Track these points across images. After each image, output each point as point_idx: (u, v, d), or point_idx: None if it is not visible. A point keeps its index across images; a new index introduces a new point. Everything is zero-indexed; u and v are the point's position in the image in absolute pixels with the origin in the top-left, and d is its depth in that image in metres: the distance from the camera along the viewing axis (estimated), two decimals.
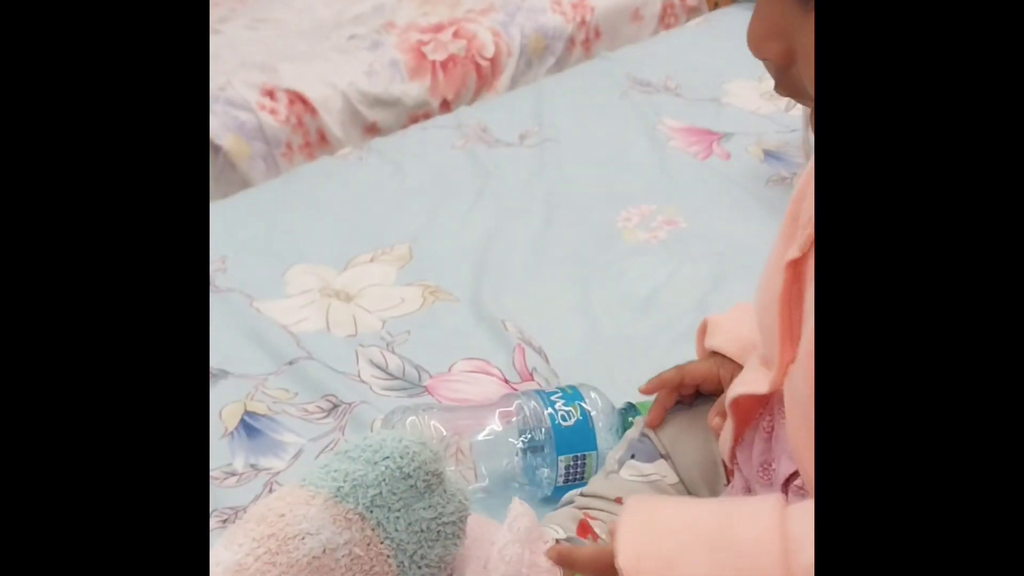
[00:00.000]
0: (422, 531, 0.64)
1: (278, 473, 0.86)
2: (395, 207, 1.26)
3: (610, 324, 1.04)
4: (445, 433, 0.79)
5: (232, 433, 0.90)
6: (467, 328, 1.04)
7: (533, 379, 0.96)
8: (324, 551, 0.60)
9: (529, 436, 0.80)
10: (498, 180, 1.31)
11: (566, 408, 0.81)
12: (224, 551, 0.60)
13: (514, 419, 0.81)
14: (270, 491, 0.83)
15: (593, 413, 0.82)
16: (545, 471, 0.81)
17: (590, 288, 1.10)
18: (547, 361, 0.99)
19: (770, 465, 0.65)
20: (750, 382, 0.66)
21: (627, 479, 0.74)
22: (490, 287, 1.10)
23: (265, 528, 0.61)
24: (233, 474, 0.86)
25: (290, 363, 0.98)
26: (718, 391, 0.72)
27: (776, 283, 0.59)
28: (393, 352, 1.00)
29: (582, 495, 0.75)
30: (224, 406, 0.93)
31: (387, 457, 0.64)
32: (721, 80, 1.49)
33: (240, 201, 1.31)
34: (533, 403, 0.82)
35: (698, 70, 1.53)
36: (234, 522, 0.77)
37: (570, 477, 0.80)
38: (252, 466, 0.87)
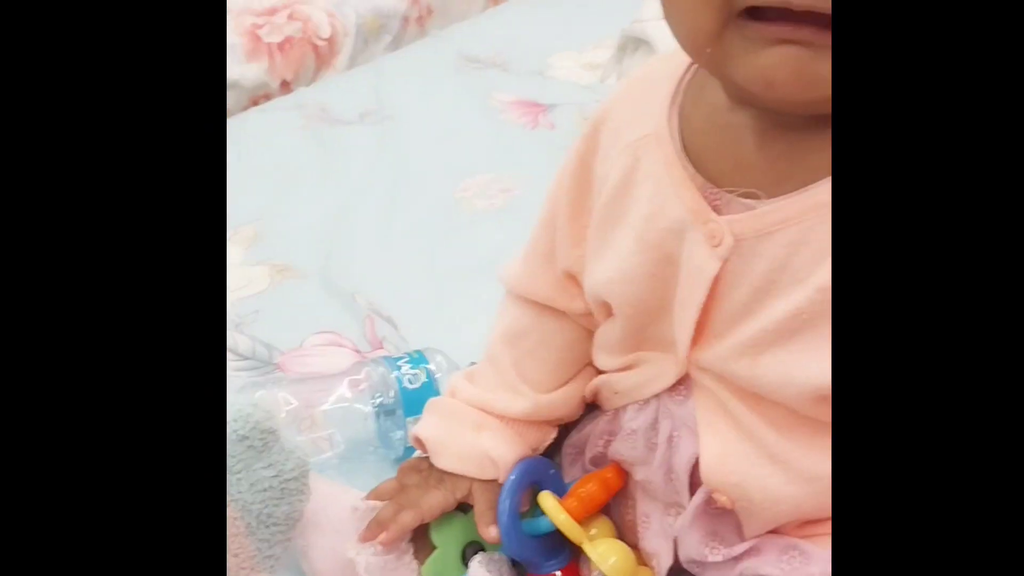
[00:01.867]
0: (265, 490, 0.67)
1: None
2: (239, 189, 1.26)
3: (455, 288, 1.10)
4: (295, 403, 0.84)
5: None
6: (317, 303, 1.08)
7: (383, 347, 1.01)
8: None
9: (379, 401, 0.86)
10: (341, 159, 1.35)
11: (412, 371, 0.87)
12: None
13: (363, 386, 0.86)
14: None
15: (438, 375, 0.87)
16: (398, 433, 0.86)
17: (435, 256, 1.15)
18: (397, 329, 1.04)
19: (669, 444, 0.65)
20: (639, 386, 0.65)
21: None
22: (339, 262, 1.14)
23: None
24: None
25: None
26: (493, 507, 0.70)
27: (698, 296, 0.58)
28: (242, 332, 1.03)
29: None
30: None
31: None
32: (546, 53, 1.57)
33: None
34: (381, 368, 0.87)
35: (524, 44, 1.60)
36: None
37: None
38: None
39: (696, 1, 0.49)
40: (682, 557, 0.65)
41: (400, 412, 0.85)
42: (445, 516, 0.72)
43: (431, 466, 0.72)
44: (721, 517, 0.62)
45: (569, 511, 0.67)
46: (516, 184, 1.27)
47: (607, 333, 0.67)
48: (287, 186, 1.29)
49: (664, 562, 0.66)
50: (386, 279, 1.11)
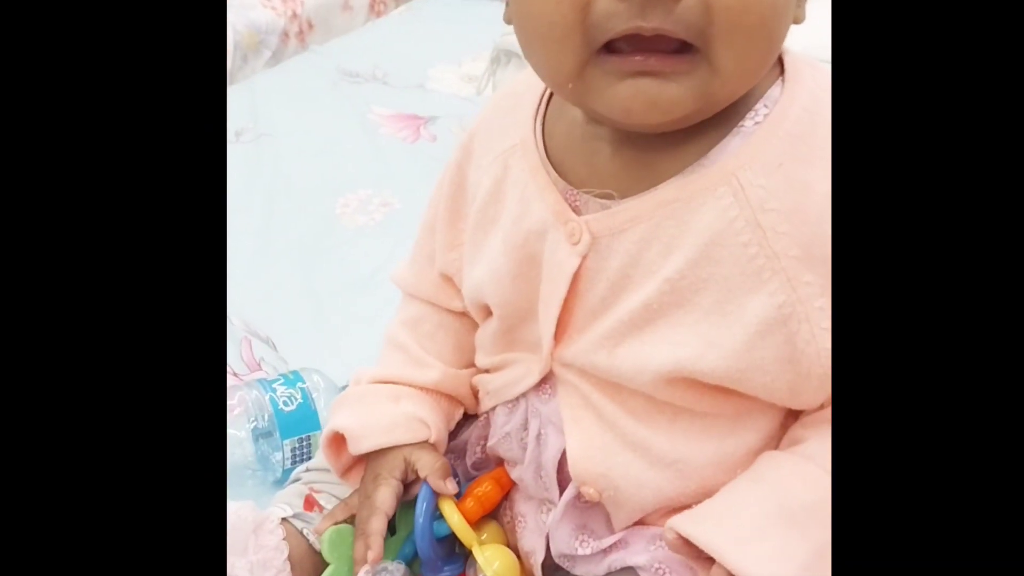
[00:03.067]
0: None
1: None
2: None
3: (335, 305, 1.09)
4: None
5: None
6: None
7: (261, 369, 0.99)
8: None
9: (253, 424, 0.84)
10: None
11: (287, 392, 0.85)
12: None
13: (237, 411, 0.84)
14: None
15: (315, 394, 0.86)
16: (276, 456, 0.85)
17: (314, 274, 1.14)
18: (275, 349, 1.02)
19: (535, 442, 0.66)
20: (507, 386, 0.67)
21: None
22: None
23: None
24: None
25: None
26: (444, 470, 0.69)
27: (559, 292, 0.60)
28: None
29: (308, 470, 0.79)
30: None
31: None
32: (425, 66, 1.57)
33: None
34: (255, 392, 0.85)
35: (404, 57, 1.60)
36: None
37: (297, 458, 0.84)
38: None
39: (556, 44, 0.51)
40: (554, 552, 0.66)
41: (276, 435, 0.84)
42: (337, 532, 0.71)
43: (359, 473, 0.72)
44: (590, 511, 0.64)
45: (467, 512, 0.68)
46: (396, 198, 1.26)
47: (484, 333, 0.70)
48: None
49: (538, 558, 0.67)
50: (263, 299, 1.10)
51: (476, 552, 0.67)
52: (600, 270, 0.59)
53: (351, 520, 0.71)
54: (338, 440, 0.70)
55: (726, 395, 0.58)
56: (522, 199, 0.62)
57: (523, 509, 0.69)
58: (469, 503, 0.68)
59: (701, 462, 0.60)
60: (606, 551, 0.63)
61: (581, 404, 0.62)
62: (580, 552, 0.64)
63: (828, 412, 0.58)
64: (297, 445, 0.84)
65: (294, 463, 0.84)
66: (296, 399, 0.85)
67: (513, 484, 0.70)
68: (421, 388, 0.72)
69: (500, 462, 0.72)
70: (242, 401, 0.85)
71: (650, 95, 0.50)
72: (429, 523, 0.68)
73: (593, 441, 0.62)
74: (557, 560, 0.66)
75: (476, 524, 0.69)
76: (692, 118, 0.52)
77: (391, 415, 0.70)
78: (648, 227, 0.56)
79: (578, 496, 0.63)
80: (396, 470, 0.69)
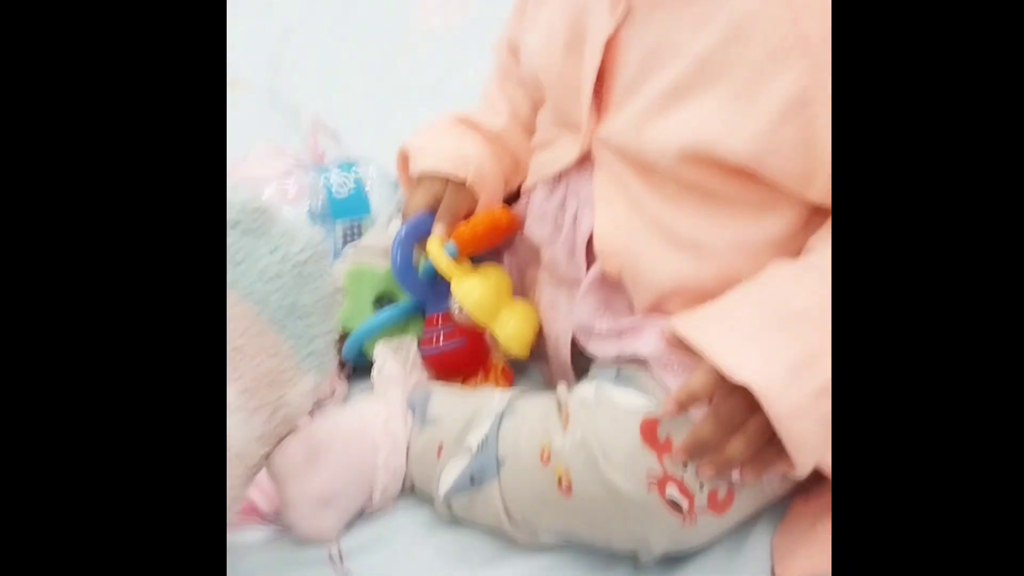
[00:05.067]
0: (278, 276, 0.59)
1: None
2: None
3: (402, 107, 1.10)
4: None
5: None
6: (264, 115, 1.09)
7: (324, 161, 1.02)
8: None
9: (308, 206, 0.88)
10: None
11: (342, 178, 0.88)
12: None
13: (292, 192, 0.88)
14: None
15: (368, 184, 0.89)
16: (330, 237, 0.88)
17: (385, 74, 1.15)
18: (339, 143, 1.05)
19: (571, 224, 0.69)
20: (550, 162, 0.70)
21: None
22: (287, 75, 1.14)
23: None
24: None
25: None
26: (456, 215, 0.74)
27: (593, 60, 0.63)
28: None
29: (355, 247, 0.83)
30: None
31: None
32: None
33: None
34: (310, 175, 0.88)
35: None
36: None
37: (348, 239, 0.88)
38: None
39: None
40: (574, 326, 0.69)
41: (328, 217, 0.87)
42: (357, 271, 0.76)
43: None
44: (614, 291, 0.67)
45: (460, 239, 0.71)
46: (473, 4, 1.25)
47: (540, 113, 0.75)
48: (236, 1, 1.27)
49: (566, 340, 0.71)
50: (333, 94, 1.12)
51: (454, 283, 0.70)
52: (633, 41, 0.61)
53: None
54: (405, 160, 0.78)
55: (749, 180, 0.59)
56: None
57: (555, 295, 0.72)
58: (460, 228, 0.72)
59: (721, 246, 0.61)
60: (620, 334, 0.66)
61: (613, 183, 0.65)
62: (597, 328, 0.67)
63: None
64: (348, 227, 0.87)
65: (344, 244, 0.88)
66: (349, 185, 0.88)
67: (514, 228, 0.74)
68: (488, 134, 0.77)
69: (534, 250, 0.74)
70: (298, 183, 0.88)
71: None
72: (406, 265, 0.72)
73: (619, 219, 0.64)
74: (575, 334, 0.69)
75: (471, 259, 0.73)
76: None
77: (448, 148, 0.75)
78: (683, 2, 0.58)
79: (603, 276, 0.65)
80: (435, 187, 0.75)
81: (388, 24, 1.22)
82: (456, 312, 0.71)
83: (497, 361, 0.74)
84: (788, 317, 0.56)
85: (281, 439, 0.60)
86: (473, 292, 0.69)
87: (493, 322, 0.70)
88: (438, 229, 0.73)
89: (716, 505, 0.61)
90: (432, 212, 0.75)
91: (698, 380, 0.57)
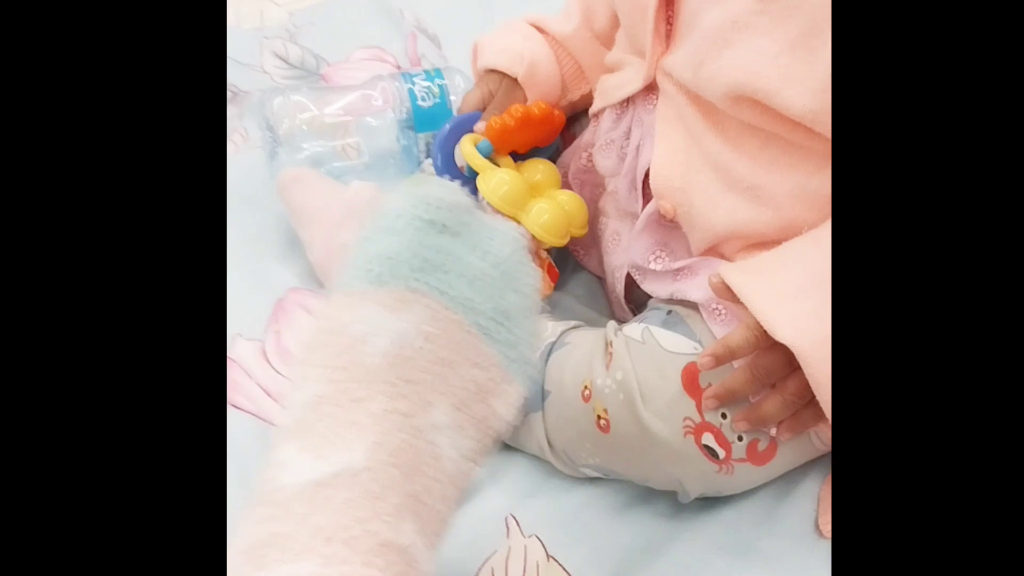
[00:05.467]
0: (481, 277, 0.53)
1: None
2: None
3: (504, 13, 1.07)
4: (313, 109, 0.87)
5: None
6: (367, 17, 1.08)
7: (421, 65, 1.02)
8: (394, 344, 0.50)
9: (394, 115, 0.87)
10: None
11: (426, 86, 0.87)
12: (294, 393, 0.50)
13: (378, 101, 0.88)
14: None
15: (453, 96, 0.88)
16: (412, 148, 0.88)
17: None
18: (439, 47, 1.04)
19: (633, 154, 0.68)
20: (616, 87, 0.68)
21: None
22: None
23: (323, 351, 0.50)
24: None
25: None
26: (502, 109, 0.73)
27: None
28: (295, 43, 1.06)
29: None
30: None
31: (408, 217, 0.52)
32: None
33: None
34: (396, 83, 0.88)
35: None
36: None
37: (429, 153, 0.88)
38: None
39: None
40: (628, 261, 0.67)
41: (412, 128, 0.87)
42: (414, 178, 0.76)
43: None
44: (672, 231, 0.65)
45: (493, 133, 0.70)
46: None
47: (619, 32, 0.73)
48: None
49: (619, 277, 0.70)
50: None
51: (480, 179, 0.69)
52: None
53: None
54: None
55: (812, 129, 0.55)
56: None
57: (619, 227, 0.71)
58: (491, 121, 0.71)
59: (780, 192, 0.58)
60: (675, 275, 0.64)
61: (675, 117, 0.63)
62: (652, 267, 0.65)
63: None
64: (432, 140, 0.87)
65: (427, 155, 0.88)
66: (434, 95, 0.87)
67: (557, 121, 0.74)
68: (553, 37, 0.77)
69: (599, 179, 0.72)
70: (384, 92, 0.88)
71: None
72: (447, 163, 0.72)
73: (677, 155, 0.62)
74: (630, 270, 0.68)
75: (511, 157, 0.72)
76: None
77: (509, 45, 0.76)
78: None
79: (659, 214, 0.63)
80: (491, 83, 0.76)
81: None
82: (485, 208, 0.69)
83: (544, 257, 0.72)
84: None
85: (490, 452, 0.54)
86: (501, 186, 0.67)
87: (522, 214, 0.68)
88: (479, 127, 0.72)
89: (756, 457, 0.60)
90: (483, 110, 0.74)
91: (738, 335, 0.55)
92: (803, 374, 0.53)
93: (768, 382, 0.56)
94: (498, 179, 0.68)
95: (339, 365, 0.50)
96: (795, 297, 0.54)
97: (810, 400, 0.55)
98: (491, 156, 0.71)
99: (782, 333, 0.53)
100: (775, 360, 0.55)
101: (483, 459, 0.53)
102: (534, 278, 0.55)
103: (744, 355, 0.56)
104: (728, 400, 0.57)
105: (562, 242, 0.69)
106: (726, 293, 0.56)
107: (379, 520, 0.46)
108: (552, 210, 0.68)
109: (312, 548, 0.44)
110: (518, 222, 0.68)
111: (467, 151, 0.70)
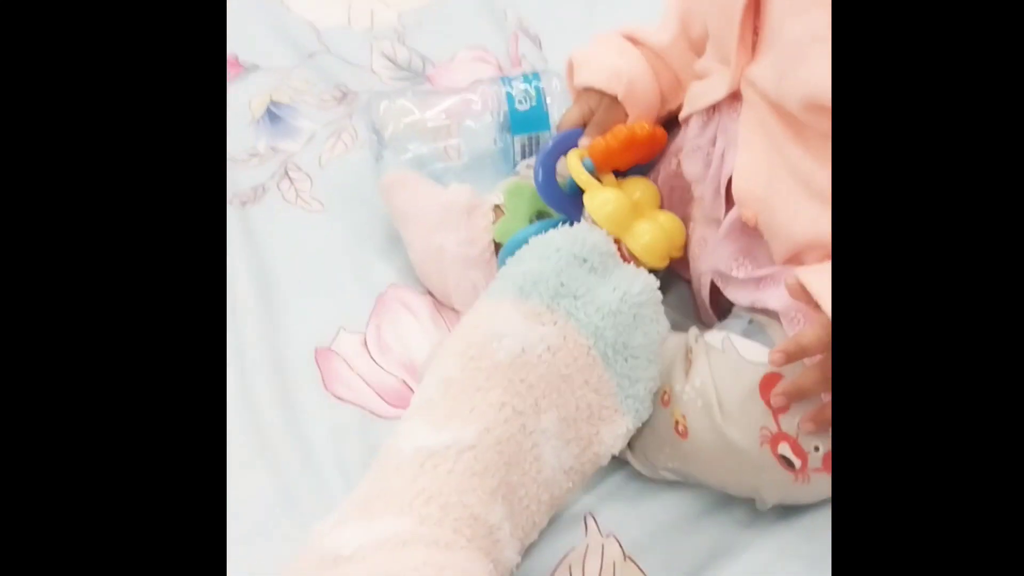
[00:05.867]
0: (615, 313, 0.61)
1: (293, 155, 1.00)
2: None
3: (606, 15, 1.09)
4: (416, 112, 0.90)
5: (258, 120, 1.03)
6: (472, 17, 1.11)
7: (521, 65, 1.04)
8: (522, 349, 0.58)
9: (492, 118, 0.90)
10: None
11: (523, 89, 0.90)
12: (429, 374, 0.60)
13: (476, 104, 0.90)
14: (285, 172, 0.97)
15: (549, 99, 0.90)
16: (509, 150, 0.91)
17: None
18: (540, 48, 1.06)
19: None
20: (702, 94, 0.70)
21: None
22: None
23: (462, 341, 0.60)
24: (255, 155, 1.00)
25: (310, 56, 1.09)
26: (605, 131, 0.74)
27: None
28: (403, 44, 1.10)
29: (528, 166, 0.85)
30: (253, 96, 1.05)
31: (558, 249, 0.62)
32: None
33: None
34: (495, 87, 0.90)
35: None
36: (256, 203, 0.93)
37: (526, 154, 0.90)
38: (272, 148, 1.01)
39: None
40: (712, 268, 0.69)
41: (509, 131, 0.89)
42: (517, 186, 0.79)
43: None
44: (755, 238, 0.66)
45: (596, 152, 0.72)
46: None
47: (709, 41, 0.74)
48: None
49: (704, 283, 0.71)
50: None
51: (587, 195, 0.70)
52: None
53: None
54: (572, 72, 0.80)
55: None
56: None
57: (705, 232, 0.72)
58: (596, 141, 0.72)
59: None
60: (757, 283, 0.65)
61: (758, 126, 0.64)
62: (735, 274, 0.66)
63: None
64: (527, 142, 0.89)
65: (523, 158, 0.90)
66: (530, 98, 0.89)
67: (660, 140, 0.74)
68: (650, 50, 0.77)
69: (688, 184, 0.73)
70: (483, 95, 0.91)
71: None
72: (548, 180, 0.74)
73: (759, 164, 0.63)
74: (713, 277, 0.69)
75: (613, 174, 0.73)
76: None
77: (605, 62, 0.77)
78: None
79: (742, 222, 0.64)
80: (591, 101, 0.77)
81: None
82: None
83: None
84: None
85: (587, 477, 0.62)
86: (606, 205, 0.69)
87: (626, 234, 0.70)
88: (583, 143, 0.74)
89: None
90: (584, 127, 0.76)
91: (811, 333, 0.56)
92: None
93: None
94: (603, 198, 0.70)
95: (472, 355, 0.58)
96: None
97: None
98: (593, 173, 0.73)
99: None
100: None
101: (579, 481, 0.60)
102: (664, 327, 0.63)
103: (815, 353, 0.57)
104: (797, 398, 0.58)
105: (662, 264, 0.71)
106: (801, 294, 0.57)
107: (474, 495, 0.53)
108: (653, 231, 0.70)
109: (413, 507, 0.52)
110: (620, 241, 0.70)
111: (573, 166, 0.72)
